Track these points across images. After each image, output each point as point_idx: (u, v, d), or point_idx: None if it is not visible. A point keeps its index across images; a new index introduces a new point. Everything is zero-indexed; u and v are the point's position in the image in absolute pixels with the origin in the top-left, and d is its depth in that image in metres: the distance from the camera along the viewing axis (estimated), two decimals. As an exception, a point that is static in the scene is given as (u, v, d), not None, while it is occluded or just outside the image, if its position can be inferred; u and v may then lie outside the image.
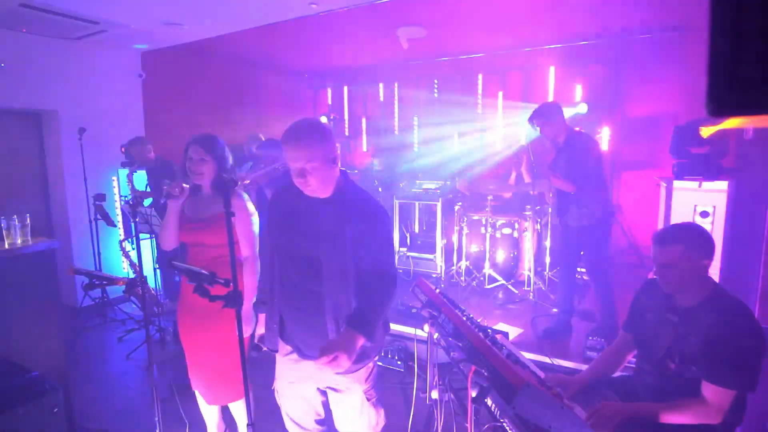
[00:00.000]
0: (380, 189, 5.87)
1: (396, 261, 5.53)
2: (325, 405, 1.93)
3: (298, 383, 1.87)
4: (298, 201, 1.78)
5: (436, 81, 6.93)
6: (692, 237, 1.77)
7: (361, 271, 1.71)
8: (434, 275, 5.34)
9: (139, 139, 4.69)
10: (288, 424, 1.97)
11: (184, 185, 2.13)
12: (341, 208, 1.72)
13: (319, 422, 1.96)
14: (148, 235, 4.36)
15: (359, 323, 1.64)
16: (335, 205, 1.73)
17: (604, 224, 3.55)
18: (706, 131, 3.34)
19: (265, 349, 1.91)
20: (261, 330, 2.00)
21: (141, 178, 4.65)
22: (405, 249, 5.71)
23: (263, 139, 5.36)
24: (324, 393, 1.89)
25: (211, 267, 1.73)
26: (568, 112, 4.14)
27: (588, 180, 3.40)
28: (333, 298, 1.71)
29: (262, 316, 2.01)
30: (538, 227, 5.12)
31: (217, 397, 2.31)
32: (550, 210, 4.96)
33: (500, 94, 6.40)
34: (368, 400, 1.82)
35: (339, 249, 1.69)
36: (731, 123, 3.05)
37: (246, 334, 2.09)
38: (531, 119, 3.60)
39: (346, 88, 7.69)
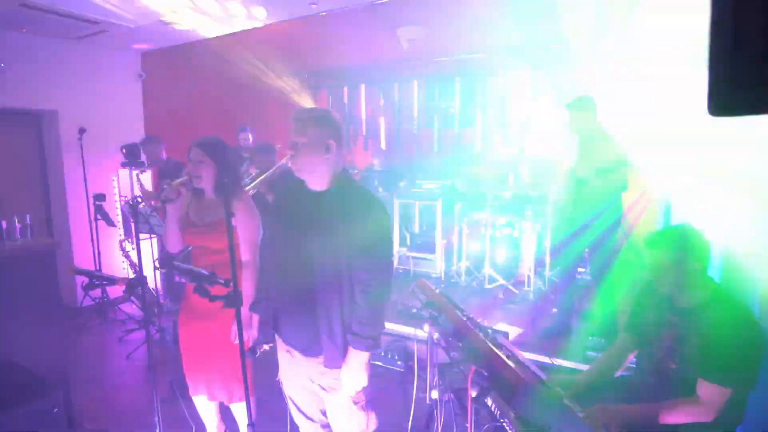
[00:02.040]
0: (380, 189, 5.88)
1: (395, 261, 5.62)
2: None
3: (298, 377, 1.89)
4: (298, 195, 1.80)
5: (436, 81, 6.93)
6: (680, 240, 1.77)
7: (354, 271, 1.69)
8: (434, 275, 5.33)
9: (152, 138, 4.69)
10: (294, 413, 1.98)
11: (181, 188, 2.09)
12: (337, 203, 1.71)
13: (324, 412, 1.94)
14: (147, 235, 4.36)
15: (362, 343, 1.68)
16: (330, 199, 1.73)
17: (612, 225, 3.56)
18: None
19: (260, 352, 1.92)
20: (254, 332, 2.04)
21: (146, 178, 4.66)
22: (405, 249, 5.71)
23: (249, 131, 5.41)
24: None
25: (213, 269, 1.73)
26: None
27: (608, 178, 3.41)
28: (325, 297, 1.71)
29: (256, 318, 2.04)
30: (538, 227, 5.12)
31: (218, 395, 2.30)
32: (550, 210, 4.96)
33: (501, 93, 6.40)
34: (355, 403, 1.80)
35: (332, 245, 1.68)
36: None
37: (245, 338, 2.08)
38: (566, 110, 3.62)
39: (345, 88, 7.69)
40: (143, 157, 4.87)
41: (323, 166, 1.72)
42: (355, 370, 1.72)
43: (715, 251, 1.98)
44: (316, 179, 1.75)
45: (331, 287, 1.70)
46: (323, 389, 1.83)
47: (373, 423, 1.86)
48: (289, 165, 1.77)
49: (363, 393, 1.81)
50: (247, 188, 2.90)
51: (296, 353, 1.83)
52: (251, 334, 2.10)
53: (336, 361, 1.75)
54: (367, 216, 1.69)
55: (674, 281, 1.77)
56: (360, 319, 1.68)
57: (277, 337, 1.90)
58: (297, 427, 2.00)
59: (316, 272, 1.70)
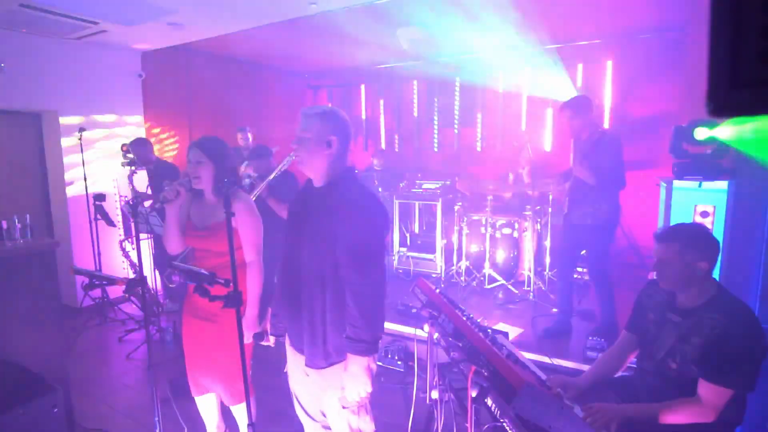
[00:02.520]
0: (380, 189, 5.88)
1: (395, 261, 5.62)
2: None
3: (300, 374, 1.87)
4: (305, 191, 1.83)
5: (436, 81, 6.92)
6: (691, 237, 1.77)
7: (342, 270, 1.65)
8: (434, 275, 5.34)
9: (141, 140, 4.71)
10: (297, 409, 1.98)
11: (179, 188, 2.08)
12: (329, 199, 1.71)
13: (325, 414, 1.93)
14: (147, 235, 4.36)
15: (357, 347, 1.64)
16: (324, 197, 1.73)
17: (608, 226, 3.56)
18: (699, 134, 3.35)
19: (265, 340, 1.93)
20: (267, 324, 2.04)
21: (141, 179, 4.66)
22: (405, 249, 5.71)
23: (248, 131, 5.42)
24: None
25: (216, 271, 1.72)
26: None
27: (608, 179, 3.41)
28: (308, 294, 1.70)
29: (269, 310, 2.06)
30: (538, 227, 5.12)
31: (220, 395, 2.30)
32: (550, 210, 4.96)
33: (500, 93, 6.40)
34: (344, 408, 1.75)
35: (318, 242, 1.68)
36: (724, 131, 3.05)
37: (247, 340, 2.08)
38: (561, 109, 3.61)
39: (345, 88, 7.69)
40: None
41: (323, 162, 1.71)
42: (356, 375, 1.67)
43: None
44: (317, 174, 1.75)
45: (315, 284, 1.69)
46: (319, 388, 1.82)
47: (368, 426, 1.81)
48: (289, 159, 1.80)
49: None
50: (252, 195, 2.89)
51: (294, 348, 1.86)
52: (263, 326, 2.10)
53: (316, 360, 1.72)
54: (358, 214, 1.66)
55: (679, 279, 1.76)
56: (351, 321, 1.65)
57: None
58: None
59: (303, 268, 1.71)
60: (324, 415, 1.91)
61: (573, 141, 3.69)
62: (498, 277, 4.89)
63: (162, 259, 4.74)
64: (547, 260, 4.95)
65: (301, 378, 1.87)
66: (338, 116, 1.75)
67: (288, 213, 1.92)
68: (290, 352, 1.91)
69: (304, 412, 1.96)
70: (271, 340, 2.03)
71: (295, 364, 1.88)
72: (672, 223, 3.04)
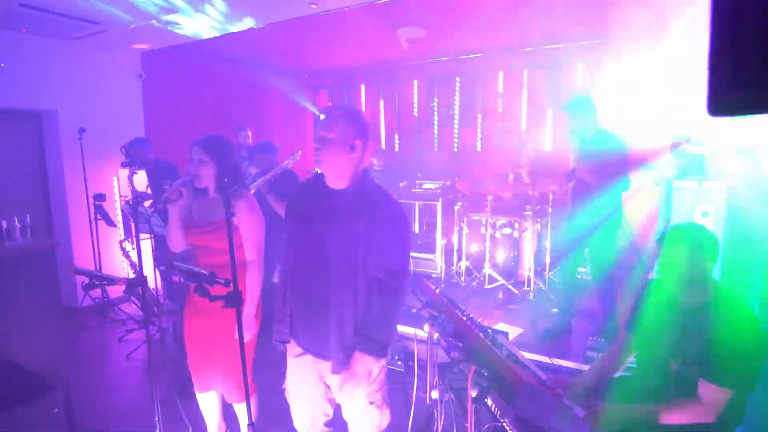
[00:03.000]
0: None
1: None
2: (334, 404, 1.90)
3: (306, 384, 1.84)
4: (317, 192, 1.78)
5: (436, 81, 6.92)
6: (696, 239, 1.76)
7: (370, 273, 1.66)
8: (434, 275, 5.33)
9: (139, 140, 4.70)
10: (296, 424, 1.95)
11: (182, 189, 2.08)
12: (356, 202, 1.68)
13: (327, 423, 1.92)
14: (147, 235, 4.36)
15: (369, 346, 1.64)
16: (350, 198, 1.70)
17: (611, 226, 3.56)
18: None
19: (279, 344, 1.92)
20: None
21: (141, 179, 4.65)
22: (405, 249, 5.71)
23: (248, 130, 5.42)
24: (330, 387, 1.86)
25: (217, 269, 1.72)
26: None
27: (611, 180, 3.41)
28: (339, 298, 1.68)
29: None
30: (538, 227, 5.12)
31: (223, 392, 2.30)
32: (550, 210, 4.96)
33: (500, 93, 6.40)
34: (371, 402, 1.77)
35: (349, 245, 1.66)
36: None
37: (246, 339, 2.08)
38: (563, 109, 3.61)
39: (345, 88, 7.69)
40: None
41: (347, 164, 1.70)
42: (358, 377, 1.67)
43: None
44: (338, 176, 1.72)
45: (346, 288, 1.67)
46: (337, 390, 1.79)
47: (387, 419, 1.85)
48: (293, 157, 1.77)
49: (379, 393, 1.79)
50: (251, 187, 2.89)
51: (308, 357, 1.81)
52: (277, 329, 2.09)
53: (345, 366, 1.71)
54: (387, 217, 1.68)
55: (684, 279, 1.76)
56: (373, 320, 1.65)
57: (291, 341, 1.86)
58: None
59: (331, 272, 1.68)
60: (326, 425, 1.91)
61: (578, 141, 3.69)
62: (498, 277, 4.89)
63: (163, 260, 4.73)
64: (547, 260, 4.95)
65: (309, 390, 1.84)
66: (362, 118, 1.74)
67: (297, 215, 1.86)
68: (296, 363, 1.85)
69: (305, 427, 1.92)
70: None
71: (305, 373, 1.83)
72: (672, 224, 3.04)
